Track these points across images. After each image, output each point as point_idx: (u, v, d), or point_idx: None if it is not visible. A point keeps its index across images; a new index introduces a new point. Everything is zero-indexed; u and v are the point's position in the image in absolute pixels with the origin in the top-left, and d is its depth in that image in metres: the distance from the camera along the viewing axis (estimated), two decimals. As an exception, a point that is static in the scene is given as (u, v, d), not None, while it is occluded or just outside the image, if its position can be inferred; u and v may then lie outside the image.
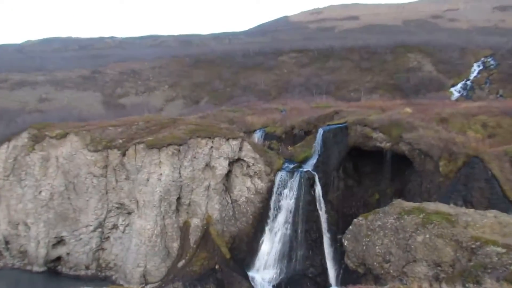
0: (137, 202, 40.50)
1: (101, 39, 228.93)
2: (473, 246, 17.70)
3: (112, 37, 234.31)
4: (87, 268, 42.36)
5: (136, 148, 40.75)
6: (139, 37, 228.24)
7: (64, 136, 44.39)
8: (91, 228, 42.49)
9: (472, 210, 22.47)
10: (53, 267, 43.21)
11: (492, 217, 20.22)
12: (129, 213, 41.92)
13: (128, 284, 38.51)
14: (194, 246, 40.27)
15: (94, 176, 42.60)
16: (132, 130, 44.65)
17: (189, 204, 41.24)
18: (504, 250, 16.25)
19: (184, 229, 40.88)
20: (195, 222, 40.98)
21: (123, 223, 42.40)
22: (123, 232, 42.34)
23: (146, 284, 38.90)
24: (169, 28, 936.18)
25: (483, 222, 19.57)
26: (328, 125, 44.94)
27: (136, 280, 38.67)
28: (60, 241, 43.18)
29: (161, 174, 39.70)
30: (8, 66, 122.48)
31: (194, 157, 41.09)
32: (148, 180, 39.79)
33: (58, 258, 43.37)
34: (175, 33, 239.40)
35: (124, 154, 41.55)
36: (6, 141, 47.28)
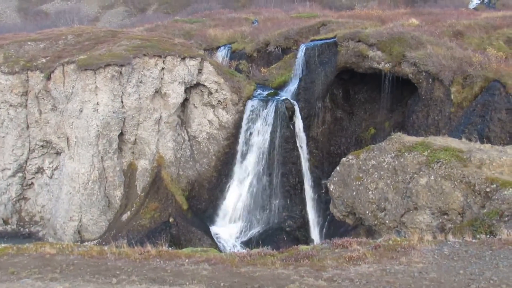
0: (68, 139, 40.15)
1: None
2: (488, 189, 17.78)
3: None
4: (5, 223, 42.17)
5: (64, 70, 39.98)
6: None
7: (-31, 54, 43.65)
8: (9, 172, 42.21)
9: (488, 145, 22.62)
10: (-38, 223, 43.47)
11: None
12: (58, 154, 41.79)
13: (59, 242, 38.70)
14: (142, 194, 40.59)
15: (11, 105, 41.71)
16: (59, 46, 43.85)
17: (134, 142, 41.13)
18: None
19: (129, 173, 41.03)
20: (143, 164, 41.13)
21: (51, 166, 42.37)
22: (50, 177, 42.34)
23: (82, 241, 38.62)
24: None
25: (502, 160, 19.40)
26: (312, 40, 44.82)
27: (69, 237, 38.73)
28: (-31, 190, 43.22)
29: (97, 104, 39.14)
30: None
31: (141, 82, 40.54)
32: (81, 111, 39.28)
33: (-32, 211, 43.60)
34: None
35: (49, 78, 40.62)
36: None
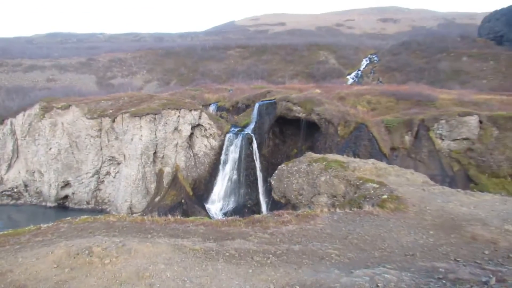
0: (124, 155, 40.00)
1: (94, 34, 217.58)
2: (358, 183, 17.90)
3: (102, 33, 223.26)
4: (87, 203, 41.81)
5: (122, 116, 39.93)
6: (123, 34, 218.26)
7: (67, 107, 42.93)
8: (90, 174, 41.76)
9: (358, 159, 22.77)
10: (62, 203, 42.36)
11: (371, 164, 20.43)
12: (118, 164, 41.46)
13: (118, 214, 38.43)
14: (166, 186, 40.32)
15: (92, 137, 41.54)
16: (119, 103, 43.65)
17: (162, 157, 41.00)
18: (378, 186, 16.55)
19: (159, 174, 40.83)
20: (167, 169, 40.93)
21: (114, 170, 41.93)
22: (114, 177, 41.90)
23: (132, 214, 38.58)
24: (146, 27, 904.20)
25: (365, 167, 19.73)
26: (262, 100, 45.12)
27: (124, 211, 38.45)
28: (66, 184, 42.27)
29: (141, 135, 39.18)
30: (21, 53, 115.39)
31: (166, 123, 40.65)
32: (132, 139, 39.25)
33: (66, 197, 42.56)
34: (151, 31, 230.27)
35: (114, 121, 40.61)
36: (22, 110, 45.28)
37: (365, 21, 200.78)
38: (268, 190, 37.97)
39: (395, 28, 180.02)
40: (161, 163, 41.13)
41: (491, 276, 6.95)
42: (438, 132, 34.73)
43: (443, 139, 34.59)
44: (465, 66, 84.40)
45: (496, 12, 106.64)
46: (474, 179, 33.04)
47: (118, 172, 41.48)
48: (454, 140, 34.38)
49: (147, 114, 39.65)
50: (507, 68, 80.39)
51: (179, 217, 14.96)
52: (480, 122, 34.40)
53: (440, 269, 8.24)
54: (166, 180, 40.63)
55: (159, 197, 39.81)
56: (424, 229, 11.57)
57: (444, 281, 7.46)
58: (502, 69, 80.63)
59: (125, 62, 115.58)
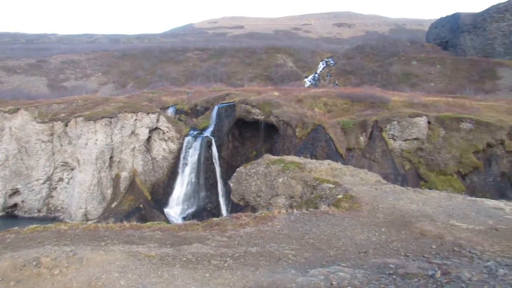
0: (78, 161, 38.51)
1: (45, 35, 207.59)
2: (314, 184, 17.97)
3: (54, 34, 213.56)
4: (39, 211, 39.71)
5: (76, 120, 38.45)
6: (77, 35, 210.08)
7: (15, 111, 40.72)
8: (41, 181, 39.76)
9: (314, 160, 23.03)
10: (10, 212, 39.93)
11: (327, 164, 20.65)
12: (72, 169, 39.82)
13: (71, 222, 37.00)
14: (124, 191, 39.22)
15: (43, 142, 39.64)
16: (73, 106, 42.02)
17: (119, 161, 39.90)
18: (333, 186, 16.72)
19: (116, 179, 39.69)
20: (124, 174, 39.84)
21: (68, 176, 40.24)
22: (67, 183, 40.19)
23: (87, 221, 37.30)
24: (101, 28, 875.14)
25: (321, 168, 19.90)
26: (221, 103, 45.02)
27: (79, 218, 36.99)
28: (15, 192, 40.00)
29: (97, 140, 37.90)
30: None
31: (122, 127, 39.59)
32: (86, 144, 37.89)
33: (15, 205, 40.21)
34: (106, 33, 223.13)
35: (66, 125, 39.06)
36: (-35, 115, 42.59)
37: (321, 25, 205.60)
38: (228, 192, 37.83)
39: (349, 33, 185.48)
40: (118, 167, 40.02)
41: (436, 269, 7.28)
42: (390, 132, 36.05)
43: (395, 139, 35.94)
44: (414, 70, 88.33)
45: (441, 19, 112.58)
46: (424, 177, 34.57)
47: (72, 178, 39.86)
48: (405, 140, 35.81)
49: (103, 117, 38.45)
50: (452, 72, 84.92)
51: (135, 223, 14.57)
52: (429, 122, 36.07)
53: (391, 265, 8.53)
54: (123, 185, 39.54)
55: (116, 202, 38.70)
56: (377, 226, 11.93)
57: (394, 276, 7.72)
58: (447, 73, 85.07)
59: (79, 64, 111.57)
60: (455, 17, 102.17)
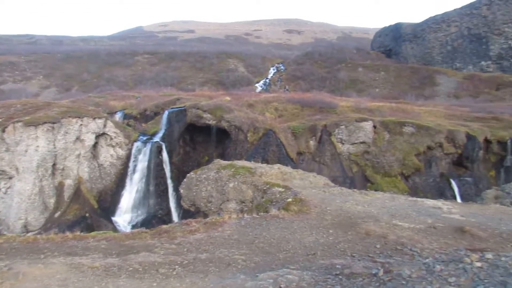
0: (17, 169, 36.13)
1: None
2: (265, 188, 18.14)
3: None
4: (-27, 224, 37.06)
5: (14, 126, 36.03)
6: (15, 35, 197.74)
7: None
8: (-24, 191, 37.12)
9: (265, 164, 23.20)
10: None
11: (277, 168, 20.91)
12: (10, 178, 37.30)
13: (8, 234, 34.72)
14: (68, 200, 37.32)
15: (-23, 149, 37.05)
16: (11, 111, 39.34)
17: (63, 169, 37.93)
18: (283, 190, 16.95)
19: (59, 188, 37.68)
20: (68, 182, 37.91)
21: (5, 186, 37.53)
22: (5, 193, 37.49)
23: (28, 232, 35.11)
24: (42, 29, 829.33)
25: (271, 172, 20.13)
26: (172, 108, 44.36)
27: (18, 230, 34.60)
28: None
29: (38, 146, 35.76)
30: None
31: (67, 133, 37.69)
32: (26, 151, 35.66)
33: None
34: (48, 34, 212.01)
35: (3, 131, 36.53)
36: None
37: (272, 31, 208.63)
38: (179, 199, 37.33)
39: (299, 39, 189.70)
40: (62, 175, 38.08)
41: (379, 268, 7.55)
42: (338, 136, 37.21)
43: (343, 143, 37.13)
44: (360, 76, 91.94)
45: (385, 28, 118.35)
46: (371, 179, 35.97)
47: (10, 187, 37.29)
48: (352, 144, 37.09)
49: (44, 123, 36.39)
50: (395, 78, 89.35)
51: (79, 233, 13.93)
52: (374, 127, 37.63)
53: (338, 266, 8.75)
54: (67, 193, 37.66)
55: (59, 212, 36.78)
56: (325, 228, 12.21)
57: (340, 277, 7.92)
58: (391, 79, 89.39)
59: (18, 66, 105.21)
60: (397, 26, 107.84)
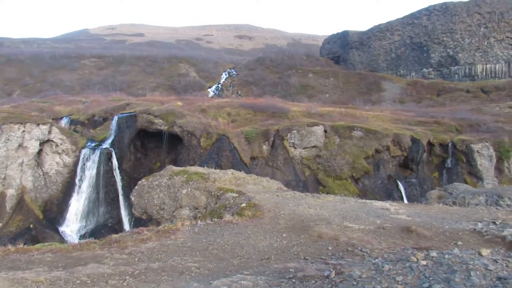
0: (-48, 179, 33.72)
1: None
2: (218, 194, 18.03)
3: None
4: None
5: None
6: None
7: None
8: None
9: (218, 170, 23.05)
10: None
11: (230, 174, 20.80)
12: None
13: None
14: (10, 211, 35.13)
15: None
16: None
17: (4, 178, 35.64)
18: (237, 195, 16.88)
19: (1, 198, 35.36)
20: (11, 192, 35.70)
21: None
22: None
23: None
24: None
25: (225, 177, 19.98)
26: (121, 113, 43.07)
27: (-47, 245, 32.28)
28: None
29: (-25, 154, 33.65)
30: None
31: (8, 139, 35.55)
32: (-38, 159, 33.38)
33: None
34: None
35: None
36: None
37: (223, 36, 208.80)
38: (131, 207, 36.28)
39: (250, 45, 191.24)
40: (3, 185, 35.80)
41: (331, 270, 7.70)
42: (291, 141, 37.79)
43: (295, 147, 37.76)
44: (311, 82, 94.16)
45: (333, 35, 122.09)
46: (323, 182, 36.81)
47: None
48: (304, 148, 37.82)
49: (-18, 129, 34.10)
50: (344, 84, 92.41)
51: (23, 245, 13.08)
52: (325, 131, 38.61)
53: (291, 269, 8.83)
54: (9, 204, 35.47)
55: (0, 224, 34.56)
56: (278, 232, 12.30)
57: (294, 280, 7.99)
58: (340, 85, 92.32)
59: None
60: (344, 34, 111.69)
